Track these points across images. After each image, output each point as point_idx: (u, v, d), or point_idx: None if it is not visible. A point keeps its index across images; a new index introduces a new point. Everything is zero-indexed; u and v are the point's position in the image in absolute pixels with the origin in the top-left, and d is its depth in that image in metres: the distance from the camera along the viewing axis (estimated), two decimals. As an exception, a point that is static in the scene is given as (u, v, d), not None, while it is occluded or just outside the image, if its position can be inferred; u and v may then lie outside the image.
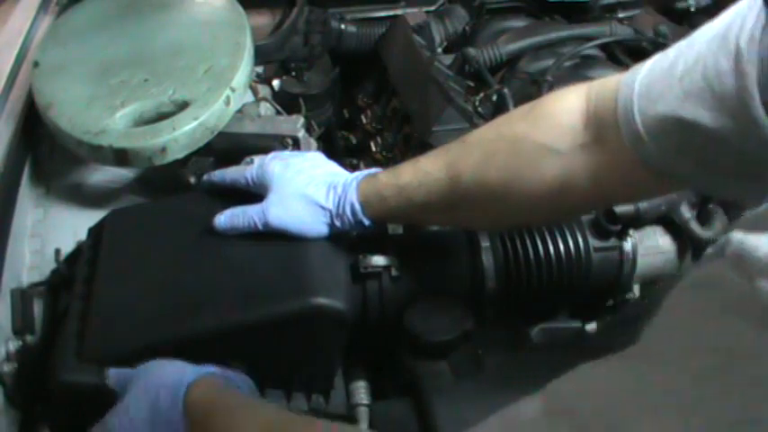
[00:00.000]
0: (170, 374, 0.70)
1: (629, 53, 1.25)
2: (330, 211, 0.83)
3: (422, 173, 0.82)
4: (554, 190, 0.74)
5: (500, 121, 0.83)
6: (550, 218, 0.88)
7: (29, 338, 0.87)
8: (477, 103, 1.12)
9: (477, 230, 0.91)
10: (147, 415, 0.68)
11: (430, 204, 0.81)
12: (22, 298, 0.89)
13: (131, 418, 0.69)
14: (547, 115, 0.77)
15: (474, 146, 0.81)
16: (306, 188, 0.84)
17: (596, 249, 0.91)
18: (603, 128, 0.71)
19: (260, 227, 0.82)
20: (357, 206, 0.82)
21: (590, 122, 0.72)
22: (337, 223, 0.83)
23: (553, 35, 1.27)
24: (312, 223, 0.83)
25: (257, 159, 0.90)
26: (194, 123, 0.99)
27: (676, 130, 0.64)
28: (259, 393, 0.77)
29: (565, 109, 0.75)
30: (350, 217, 0.83)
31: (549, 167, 0.74)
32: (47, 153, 1.12)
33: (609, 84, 0.72)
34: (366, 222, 0.83)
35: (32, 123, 1.08)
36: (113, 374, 0.73)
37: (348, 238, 0.88)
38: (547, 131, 0.75)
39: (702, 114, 0.61)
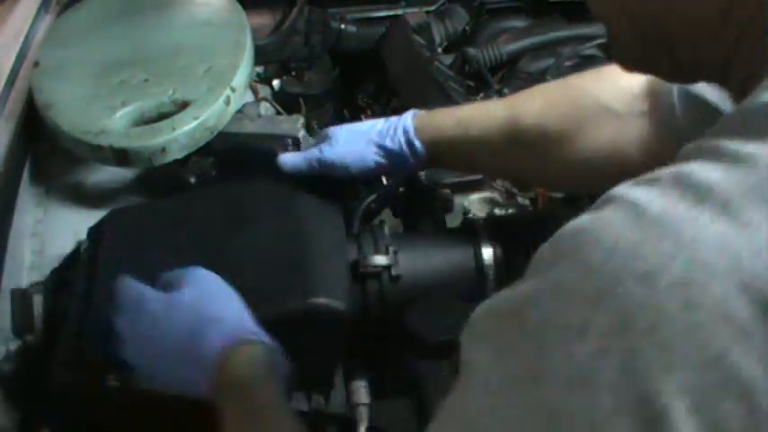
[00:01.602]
0: (224, 320, 0.68)
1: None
2: (381, 131, 0.84)
3: (483, 109, 0.84)
4: (606, 151, 0.76)
5: (570, 76, 0.86)
6: (596, 182, 0.88)
7: (29, 338, 0.87)
8: (477, 103, 1.12)
9: (526, 186, 0.92)
10: (184, 337, 0.67)
11: (487, 141, 0.82)
12: (22, 298, 0.89)
13: (166, 331, 0.68)
14: (612, 77, 0.78)
15: (538, 93, 0.84)
16: (359, 126, 0.88)
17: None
18: (659, 99, 0.72)
19: (315, 164, 0.86)
20: (410, 125, 0.83)
21: (648, 91, 0.74)
22: (388, 143, 0.83)
23: (553, 35, 1.27)
24: (362, 151, 0.85)
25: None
26: (194, 123, 0.99)
27: (702, 111, 0.65)
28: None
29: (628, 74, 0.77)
30: (401, 137, 0.83)
31: (605, 127, 0.76)
32: (47, 153, 1.12)
33: None
34: (418, 145, 0.83)
35: (32, 123, 1.08)
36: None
37: (347, 237, 0.88)
38: (609, 91, 0.77)
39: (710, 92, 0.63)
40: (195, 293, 0.70)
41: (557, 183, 0.91)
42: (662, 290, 0.35)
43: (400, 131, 0.83)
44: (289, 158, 0.90)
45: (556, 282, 0.39)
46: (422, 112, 0.86)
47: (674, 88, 0.70)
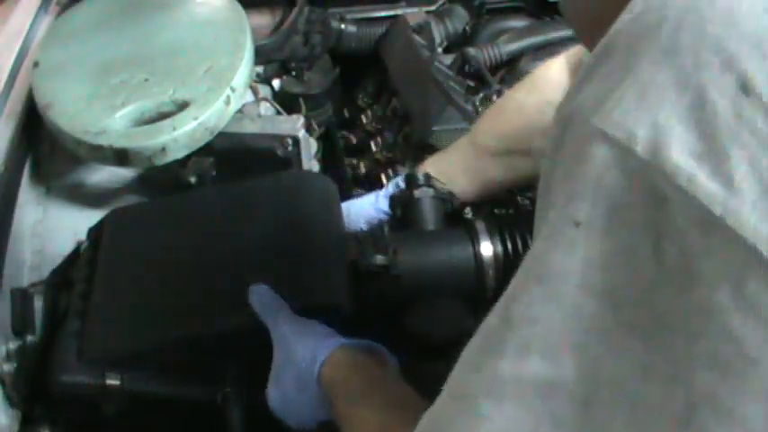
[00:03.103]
0: (305, 348, 0.69)
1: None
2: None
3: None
4: None
5: (510, 90, 1.00)
6: None
7: (29, 338, 0.87)
8: (477, 103, 1.12)
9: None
10: (295, 384, 0.68)
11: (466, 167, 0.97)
12: (22, 298, 0.89)
13: (284, 386, 0.69)
14: (539, 77, 0.92)
15: (486, 115, 0.99)
16: None
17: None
18: None
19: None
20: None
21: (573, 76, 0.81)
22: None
23: (553, 35, 1.27)
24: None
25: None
26: (194, 123, 0.99)
27: None
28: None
29: (552, 69, 0.90)
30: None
31: (538, 135, 0.82)
32: (47, 153, 1.12)
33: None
34: None
35: (32, 123, 1.08)
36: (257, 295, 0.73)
37: (347, 237, 0.88)
38: (544, 89, 0.87)
39: None
40: (281, 354, 0.70)
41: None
42: None
43: None
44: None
45: None
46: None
47: None
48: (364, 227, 0.92)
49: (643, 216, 0.36)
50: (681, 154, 0.35)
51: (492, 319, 0.42)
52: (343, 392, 0.66)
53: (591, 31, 0.55)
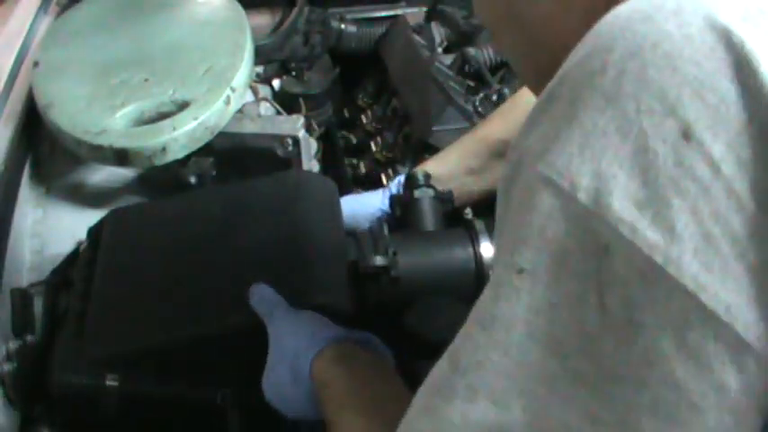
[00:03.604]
0: (298, 342, 0.69)
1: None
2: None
3: (459, 147, 1.01)
4: None
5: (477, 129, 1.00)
6: None
7: (29, 338, 0.87)
8: (477, 103, 1.12)
9: None
10: (289, 377, 0.68)
11: (470, 168, 0.99)
12: (22, 298, 0.89)
13: (278, 378, 0.69)
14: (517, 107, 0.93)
15: (495, 114, 1.00)
16: None
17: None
18: None
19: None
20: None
21: None
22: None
23: (553, 35, 1.27)
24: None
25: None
26: (194, 123, 0.99)
27: None
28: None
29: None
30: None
31: None
32: (47, 153, 1.12)
33: None
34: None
35: (32, 123, 1.08)
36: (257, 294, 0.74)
37: (346, 237, 0.88)
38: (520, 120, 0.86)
39: None
40: (277, 344, 0.71)
41: None
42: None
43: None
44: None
45: None
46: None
47: None
48: (366, 225, 0.92)
49: (586, 265, 0.36)
50: (623, 202, 0.36)
51: (442, 363, 0.43)
52: (330, 395, 0.66)
53: (531, 69, 0.56)
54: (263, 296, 0.74)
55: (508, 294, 0.39)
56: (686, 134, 0.35)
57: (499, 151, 0.95)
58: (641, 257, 0.35)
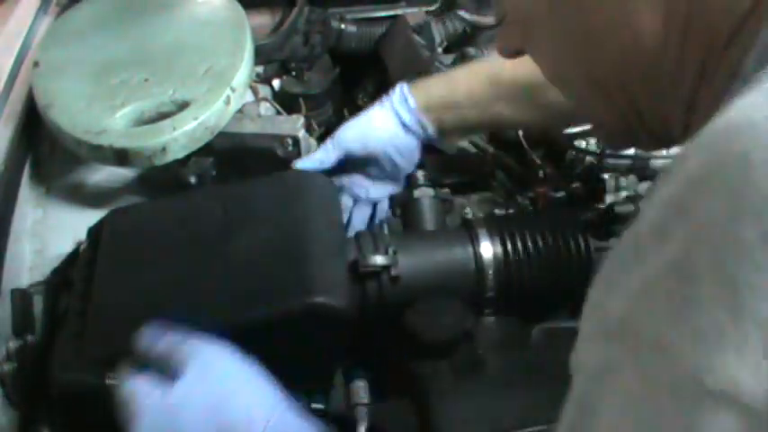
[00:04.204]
0: (240, 409, 0.64)
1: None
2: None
3: (466, 70, 1.05)
4: None
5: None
6: (568, 119, 1.01)
7: (29, 338, 0.87)
8: (476, 103, 1.12)
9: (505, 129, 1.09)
10: None
11: (472, 96, 0.99)
12: (22, 298, 0.89)
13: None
14: None
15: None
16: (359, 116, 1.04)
17: (597, 249, 0.91)
18: None
19: (330, 147, 1.00)
20: (407, 94, 0.99)
21: None
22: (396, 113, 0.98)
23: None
24: (372, 129, 0.99)
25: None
26: (194, 123, 0.99)
27: None
28: None
29: None
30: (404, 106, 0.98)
31: None
32: (47, 153, 1.12)
33: None
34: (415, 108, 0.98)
35: (32, 123, 1.08)
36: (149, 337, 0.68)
37: (347, 237, 0.88)
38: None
39: None
40: (204, 389, 0.65)
41: (533, 124, 1.04)
42: None
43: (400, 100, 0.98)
44: (302, 162, 1.01)
45: None
46: (415, 83, 1.00)
47: None
48: (378, 150, 0.98)
49: None
50: None
51: None
52: None
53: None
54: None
55: None
56: None
57: (511, 89, 0.97)
58: None
